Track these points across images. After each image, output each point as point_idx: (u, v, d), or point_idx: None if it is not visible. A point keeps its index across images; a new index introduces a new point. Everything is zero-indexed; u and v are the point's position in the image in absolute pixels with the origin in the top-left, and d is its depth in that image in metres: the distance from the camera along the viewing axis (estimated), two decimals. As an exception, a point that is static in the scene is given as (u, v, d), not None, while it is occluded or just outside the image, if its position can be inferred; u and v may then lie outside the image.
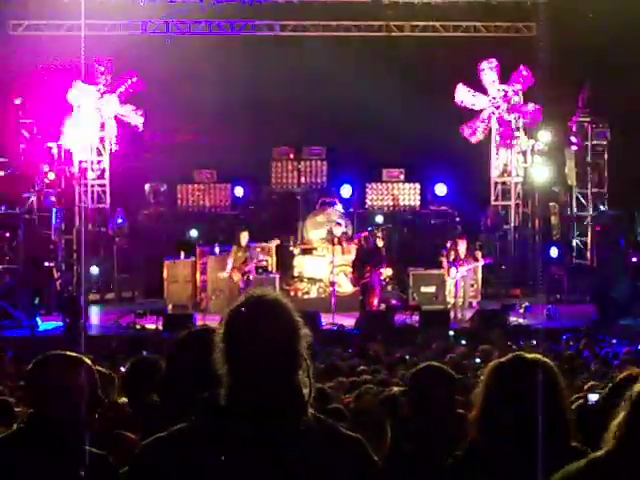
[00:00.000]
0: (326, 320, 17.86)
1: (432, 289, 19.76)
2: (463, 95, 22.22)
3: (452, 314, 18.49)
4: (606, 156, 21.81)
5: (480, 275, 20.02)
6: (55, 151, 21.74)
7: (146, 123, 21.95)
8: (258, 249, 19.62)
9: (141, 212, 23.06)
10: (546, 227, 22.72)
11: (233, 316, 2.67)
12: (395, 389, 5.96)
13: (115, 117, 22.18)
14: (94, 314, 19.34)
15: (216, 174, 23.40)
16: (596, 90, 21.03)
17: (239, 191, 23.34)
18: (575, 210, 22.12)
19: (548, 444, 3.06)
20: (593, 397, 4.94)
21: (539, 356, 3.27)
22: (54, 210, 21.17)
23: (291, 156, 23.70)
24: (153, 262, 21.35)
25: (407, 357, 12.73)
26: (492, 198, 23.43)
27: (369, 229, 20.57)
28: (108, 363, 10.46)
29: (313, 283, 20.28)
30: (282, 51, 22.57)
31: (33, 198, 20.83)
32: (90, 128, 22.18)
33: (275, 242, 19.67)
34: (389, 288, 20.37)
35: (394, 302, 19.67)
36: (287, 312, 2.68)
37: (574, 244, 22.08)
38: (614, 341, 14.90)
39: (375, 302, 18.70)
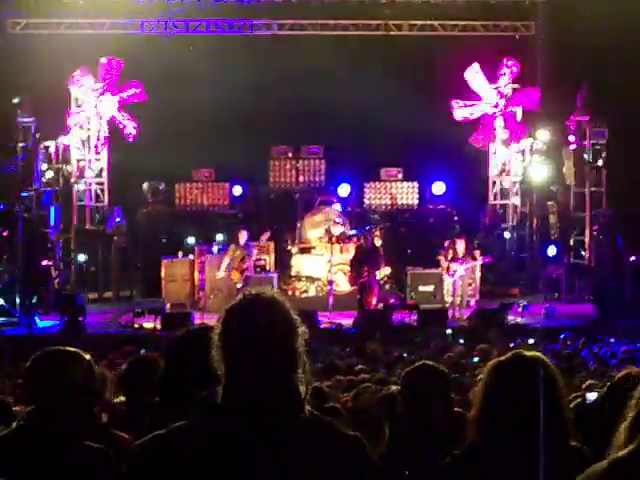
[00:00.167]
0: (324, 319, 17.86)
1: (430, 288, 19.75)
2: (474, 74, 22.14)
3: (450, 313, 18.50)
4: (604, 155, 21.81)
5: (478, 274, 20.02)
6: (53, 149, 21.74)
7: (146, 122, 21.94)
8: (256, 249, 19.61)
9: (139, 211, 23.06)
10: (544, 226, 22.73)
11: (230, 314, 2.67)
12: (393, 388, 5.96)
13: (112, 118, 22.20)
14: (92, 313, 19.31)
15: (214, 173, 23.41)
16: (595, 89, 21.03)
17: (237, 190, 23.35)
18: (573, 209, 22.12)
19: (547, 443, 3.06)
20: (591, 396, 4.94)
21: (538, 354, 3.27)
22: (52, 209, 21.17)
23: (289, 155, 23.71)
24: (151, 261, 21.36)
25: (405, 355, 12.74)
26: (490, 197, 23.45)
27: (367, 228, 20.59)
28: (105, 362, 10.48)
29: (311, 282, 20.28)
30: (280, 50, 22.58)
31: (32, 196, 20.81)
32: (88, 126, 22.20)
33: (266, 235, 19.55)
34: (387, 287, 20.36)
35: (392, 301, 19.67)
36: (284, 310, 2.68)
37: (572, 243, 22.08)
38: (612, 340, 14.90)
39: (373, 301, 18.71)
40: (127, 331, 17.69)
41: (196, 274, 20.57)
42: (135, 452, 2.72)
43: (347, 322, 18.03)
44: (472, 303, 19.62)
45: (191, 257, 20.86)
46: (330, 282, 19.24)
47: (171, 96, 21.29)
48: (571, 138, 21.62)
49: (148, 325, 17.92)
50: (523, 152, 23.03)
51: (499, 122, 22.54)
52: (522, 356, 3.24)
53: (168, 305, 19.90)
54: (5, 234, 19.03)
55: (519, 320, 18.25)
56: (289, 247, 21.05)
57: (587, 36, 20.14)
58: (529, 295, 20.99)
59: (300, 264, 20.61)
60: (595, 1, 20.56)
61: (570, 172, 21.67)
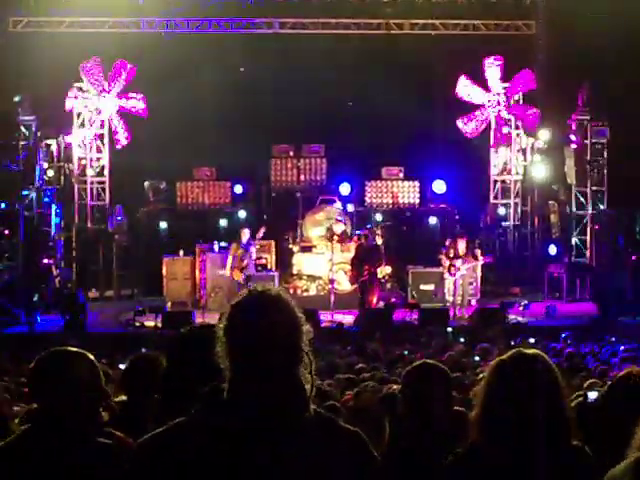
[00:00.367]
0: (325, 318, 17.86)
1: (431, 287, 19.77)
2: (464, 88, 22.22)
3: (451, 312, 18.49)
4: (605, 154, 21.81)
5: (479, 273, 20.01)
6: (54, 148, 21.75)
7: (147, 121, 21.95)
8: (254, 247, 19.62)
9: (140, 209, 23.06)
10: (545, 225, 22.74)
11: (236, 309, 2.67)
12: (394, 387, 5.96)
13: (118, 110, 22.18)
14: (93, 311, 19.30)
15: (216, 171, 23.40)
16: (596, 88, 21.02)
17: (238, 189, 23.35)
18: (574, 208, 22.11)
19: (549, 442, 3.06)
20: (592, 395, 4.93)
21: (538, 351, 3.28)
22: (53, 207, 21.18)
23: (291, 154, 23.69)
24: (152, 259, 21.35)
25: (406, 353, 12.75)
26: (491, 196, 23.45)
27: (368, 227, 20.58)
28: (107, 360, 10.48)
29: (312, 281, 20.28)
30: (281, 49, 22.57)
31: (33, 195, 20.83)
32: (89, 126, 22.23)
33: (262, 231, 19.52)
34: (388, 286, 20.38)
35: (393, 300, 19.67)
36: (290, 308, 2.68)
37: (573, 242, 22.08)
38: (613, 339, 14.90)
39: (374, 300, 18.71)
40: (128, 330, 17.70)
41: (197, 273, 20.58)
42: (137, 449, 2.73)
43: (348, 321, 18.04)
44: (473, 302, 19.62)
45: (192, 256, 20.86)
46: (331, 281, 19.24)
47: (172, 95, 21.30)
48: (572, 137, 21.62)
49: (149, 323, 17.92)
50: (524, 151, 23.04)
51: (492, 121, 22.65)
52: (522, 353, 3.25)
53: (169, 304, 19.91)
54: (6, 233, 19.05)
55: (520, 319, 18.24)
56: (290, 246, 21.05)
57: (588, 35, 20.11)
58: (530, 294, 20.98)
59: (301, 263, 20.62)
60: (596, 0, 20.55)
61: (571, 171, 21.67)
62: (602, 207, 21.82)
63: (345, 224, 20.76)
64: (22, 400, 7.07)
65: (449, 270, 18.83)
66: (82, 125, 22.33)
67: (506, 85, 22.38)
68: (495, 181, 23.55)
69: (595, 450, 3.27)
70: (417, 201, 23.57)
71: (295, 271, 20.59)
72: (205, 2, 22.69)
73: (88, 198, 22.77)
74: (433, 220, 22.91)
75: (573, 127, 21.76)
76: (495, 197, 23.51)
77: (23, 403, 6.57)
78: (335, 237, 19.75)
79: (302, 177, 23.60)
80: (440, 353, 11.81)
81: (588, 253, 21.88)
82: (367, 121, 22.20)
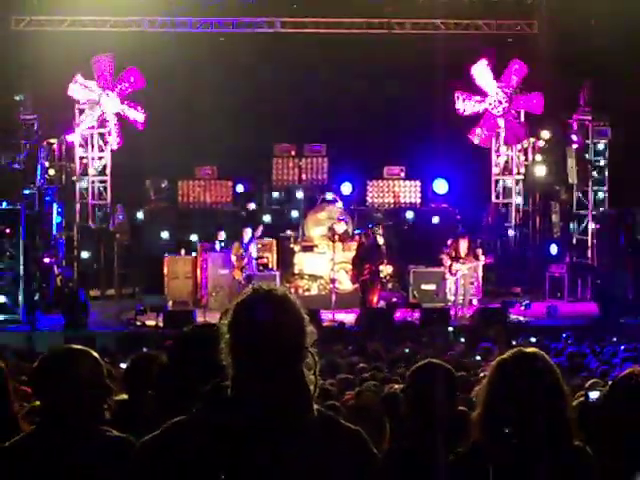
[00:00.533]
0: (326, 317, 17.86)
1: (432, 287, 19.75)
2: (481, 70, 22.10)
3: (452, 312, 18.48)
4: (607, 154, 21.80)
5: (480, 273, 20.00)
6: (56, 147, 21.75)
7: (147, 119, 21.94)
8: (259, 244, 19.65)
9: (142, 208, 23.06)
10: (547, 225, 22.73)
11: (241, 307, 2.66)
12: (396, 386, 5.96)
13: (116, 114, 22.19)
14: (94, 310, 19.31)
15: (217, 170, 23.41)
16: (597, 88, 21.01)
17: (240, 188, 23.36)
18: (576, 208, 22.11)
19: (550, 442, 3.07)
20: (594, 395, 4.93)
21: (537, 350, 3.29)
22: (55, 206, 21.18)
23: (292, 153, 23.70)
24: (153, 258, 21.35)
25: (407, 350, 12.75)
26: (493, 196, 23.45)
27: (369, 226, 20.57)
28: (108, 359, 10.48)
29: (313, 280, 20.28)
30: (283, 48, 22.57)
31: (34, 194, 20.81)
32: (91, 123, 22.23)
33: (260, 229, 19.57)
34: (389, 285, 20.38)
35: (394, 299, 19.67)
36: (295, 309, 2.68)
37: (575, 242, 22.07)
38: (614, 339, 14.89)
39: (375, 299, 18.70)
40: (129, 329, 17.70)
41: (199, 272, 20.57)
42: (139, 448, 2.73)
43: (349, 320, 18.04)
44: (474, 302, 19.61)
45: (194, 255, 20.86)
46: (332, 280, 19.24)
47: (173, 93, 21.31)
48: (574, 137, 21.61)
49: (150, 323, 17.93)
50: (526, 151, 23.02)
51: (501, 122, 22.52)
52: (523, 353, 3.26)
53: (170, 303, 19.90)
54: (7, 231, 19.01)
55: (521, 319, 18.24)
56: (292, 245, 21.05)
57: (590, 34, 20.11)
58: (531, 294, 20.97)
59: (302, 262, 20.61)
60: (597, 0, 20.55)
61: (572, 171, 21.65)
62: (603, 207, 21.81)
63: (347, 223, 20.76)
64: (24, 399, 7.06)
65: (450, 270, 18.83)
66: (81, 113, 22.24)
67: (501, 83, 22.22)
68: (496, 181, 23.54)
69: (596, 450, 3.27)
70: (418, 201, 23.58)
71: (296, 270, 20.59)
72: (207, 1, 22.69)
73: (89, 197, 22.78)
74: (435, 220, 22.90)
75: (575, 127, 21.75)
76: (496, 197, 23.51)
77: (25, 402, 6.57)
78: (337, 236, 19.75)
79: (303, 176, 23.61)
80: (441, 353, 11.81)
81: (589, 253, 21.87)
82: (369, 120, 22.20)
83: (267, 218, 22.73)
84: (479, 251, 19.35)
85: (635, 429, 3.58)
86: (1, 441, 3.52)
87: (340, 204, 21.85)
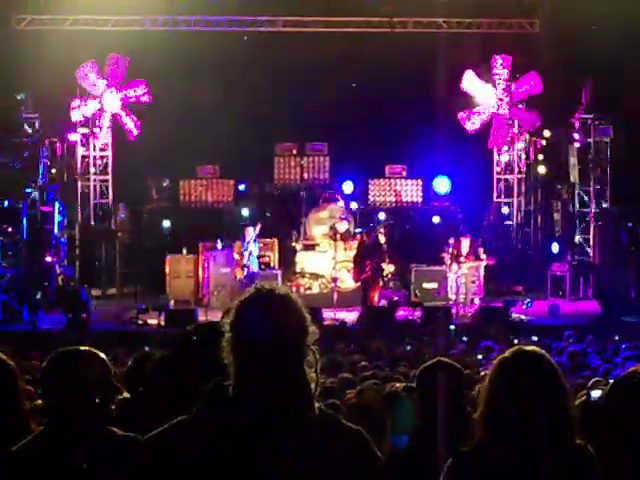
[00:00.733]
0: (328, 316, 17.86)
1: (434, 285, 19.75)
2: (470, 83, 22.16)
3: (454, 310, 18.48)
4: (609, 153, 21.79)
5: (482, 272, 19.99)
6: (57, 146, 21.75)
7: (147, 119, 21.95)
8: (260, 243, 19.65)
9: (144, 207, 23.06)
10: (549, 224, 22.71)
11: (244, 306, 2.66)
12: (397, 385, 5.96)
13: (113, 115, 22.24)
14: (96, 309, 19.31)
15: (219, 169, 23.41)
16: (599, 86, 20.99)
17: (242, 187, 23.36)
18: (577, 207, 22.10)
19: (552, 441, 3.06)
20: (596, 394, 4.92)
21: (538, 349, 3.29)
22: (57, 205, 21.18)
23: (294, 152, 23.70)
24: (155, 257, 21.34)
25: (408, 348, 12.74)
26: (495, 195, 23.44)
27: (371, 225, 20.57)
28: (110, 359, 10.45)
29: (315, 279, 20.28)
30: (284, 46, 22.55)
31: (35, 193, 20.83)
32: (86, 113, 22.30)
33: (258, 227, 19.57)
34: (391, 284, 20.37)
35: (396, 298, 19.66)
36: (297, 308, 2.68)
37: (576, 241, 22.07)
38: (616, 338, 14.88)
39: (376, 297, 18.69)
40: (131, 328, 17.71)
41: (200, 271, 20.57)
42: (141, 447, 2.73)
43: (351, 319, 18.04)
44: (476, 301, 19.61)
45: (195, 254, 20.86)
46: (334, 279, 19.24)
47: (175, 93, 21.30)
48: (575, 135, 21.60)
49: (152, 322, 17.94)
50: (527, 150, 23.01)
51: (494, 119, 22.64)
52: (525, 351, 3.26)
53: (172, 302, 19.91)
54: (9, 230, 19.05)
55: (523, 318, 18.23)
56: (293, 244, 21.06)
57: (592, 33, 20.09)
58: (533, 293, 20.96)
59: (304, 261, 20.62)
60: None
61: (574, 169, 21.65)
62: (605, 205, 21.80)
63: (349, 222, 20.76)
64: (27, 398, 7.06)
65: (451, 268, 18.83)
66: (85, 125, 22.36)
67: (512, 86, 22.29)
68: (498, 179, 23.54)
69: (598, 449, 3.26)
70: (420, 199, 23.57)
71: (298, 269, 20.60)
72: (208, 0, 22.69)
73: (91, 196, 22.79)
74: (436, 219, 22.88)
75: (576, 125, 21.74)
76: (498, 196, 23.51)
77: (27, 401, 6.56)
78: (338, 235, 19.76)
79: (305, 175, 23.60)
80: (443, 352, 11.81)
81: (591, 252, 21.86)
82: (370, 119, 22.19)
83: (268, 217, 22.71)
84: (480, 250, 19.35)
85: (637, 428, 3.58)
86: (12, 439, 3.54)
87: (342, 203, 21.85)
